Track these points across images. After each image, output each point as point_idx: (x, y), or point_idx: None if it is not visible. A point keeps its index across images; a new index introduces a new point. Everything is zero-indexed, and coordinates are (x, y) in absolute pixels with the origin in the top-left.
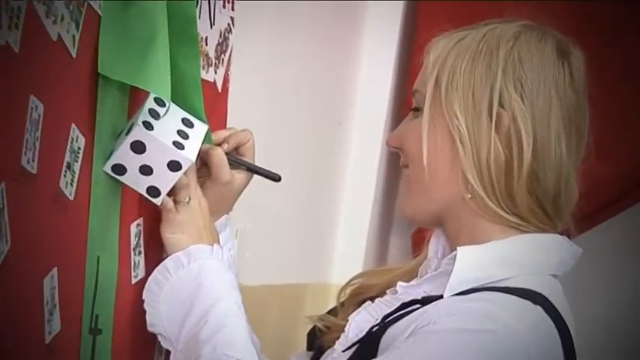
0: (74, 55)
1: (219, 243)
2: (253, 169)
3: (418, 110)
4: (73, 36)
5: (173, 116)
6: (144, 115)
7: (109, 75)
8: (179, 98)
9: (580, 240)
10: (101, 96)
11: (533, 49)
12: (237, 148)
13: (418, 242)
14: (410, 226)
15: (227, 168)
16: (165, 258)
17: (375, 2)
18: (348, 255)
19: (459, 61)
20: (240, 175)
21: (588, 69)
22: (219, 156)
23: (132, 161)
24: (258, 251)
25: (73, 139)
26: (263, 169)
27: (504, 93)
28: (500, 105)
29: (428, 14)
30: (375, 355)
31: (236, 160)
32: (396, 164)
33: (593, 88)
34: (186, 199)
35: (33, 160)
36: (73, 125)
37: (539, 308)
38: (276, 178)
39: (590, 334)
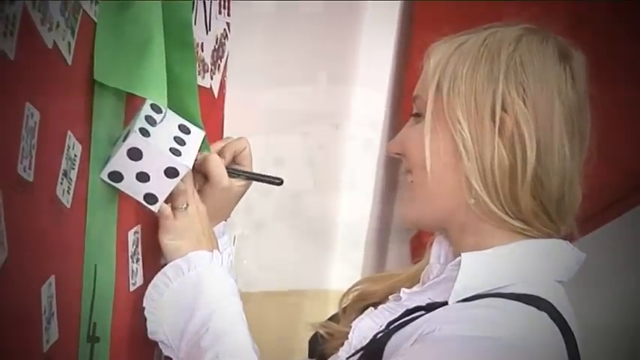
0: (70, 63)
1: (218, 249)
2: (253, 177)
3: (419, 116)
4: (69, 43)
5: (169, 122)
6: (140, 122)
7: (105, 82)
8: (175, 104)
9: (584, 243)
10: (97, 103)
11: (534, 52)
12: (234, 158)
13: (417, 247)
14: (409, 231)
15: (225, 172)
16: (164, 265)
17: (372, 2)
18: (346, 260)
19: (460, 66)
20: (238, 183)
21: (590, 70)
22: (215, 161)
23: (129, 168)
24: (256, 258)
25: (69, 146)
26: (263, 175)
27: (507, 97)
28: (503, 109)
29: (425, 15)
30: None
31: (235, 171)
32: (395, 168)
33: (595, 89)
34: (184, 205)
35: (29, 168)
36: (70, 132)
37: (544, 314)
38: (277, 182)
39: (595, 340)
